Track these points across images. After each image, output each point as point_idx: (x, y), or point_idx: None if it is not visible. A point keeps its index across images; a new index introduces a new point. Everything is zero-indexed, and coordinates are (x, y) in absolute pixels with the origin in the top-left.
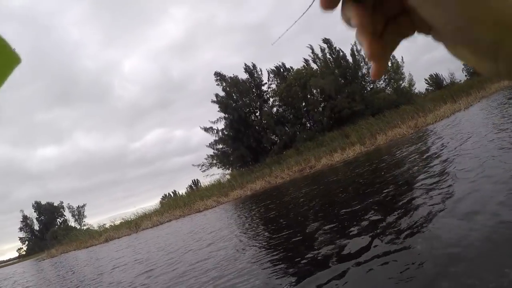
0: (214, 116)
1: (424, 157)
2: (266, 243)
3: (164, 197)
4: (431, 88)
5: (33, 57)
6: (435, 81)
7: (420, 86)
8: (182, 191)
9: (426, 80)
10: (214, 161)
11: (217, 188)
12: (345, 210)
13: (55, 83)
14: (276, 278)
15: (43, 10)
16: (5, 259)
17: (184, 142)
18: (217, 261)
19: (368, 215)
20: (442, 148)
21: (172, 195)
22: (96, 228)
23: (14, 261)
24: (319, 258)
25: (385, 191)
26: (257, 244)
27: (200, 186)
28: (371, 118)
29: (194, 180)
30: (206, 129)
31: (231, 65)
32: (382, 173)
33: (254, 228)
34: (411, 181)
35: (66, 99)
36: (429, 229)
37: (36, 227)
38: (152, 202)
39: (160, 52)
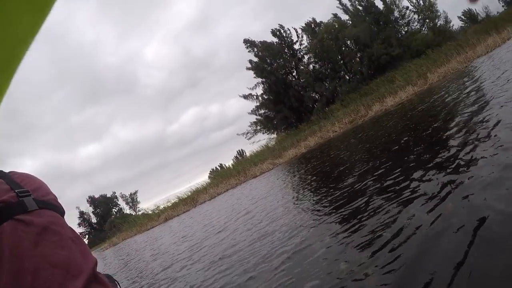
0: (247, 84)
1: (488, 89)
2: (331, 198)
3: (212, 171)
4: (466, 25)
5: (55, 65)
6: (469, 16)
7: (455, 24)
8: (228, 163)
9: (459, 17)
10: (258, 127)
11: (269, 152)
12: (407, 153)
13: (82, 84)
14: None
15: (53, 19)
16: None
17: (221, 116)
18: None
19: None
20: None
21: (219, 168)
22: (150, 211)
23: None
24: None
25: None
26: (325, 200)
27: (246, 155)
28: (413, 60)
29: (239, 150)
30: (245, 97)
31: (253, 33)
32: (444, 111)
33: (314, 184)
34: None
35: (96, 97)
36: None
37: (94, 220)
38: (201, 178)
39: (178, 34)
